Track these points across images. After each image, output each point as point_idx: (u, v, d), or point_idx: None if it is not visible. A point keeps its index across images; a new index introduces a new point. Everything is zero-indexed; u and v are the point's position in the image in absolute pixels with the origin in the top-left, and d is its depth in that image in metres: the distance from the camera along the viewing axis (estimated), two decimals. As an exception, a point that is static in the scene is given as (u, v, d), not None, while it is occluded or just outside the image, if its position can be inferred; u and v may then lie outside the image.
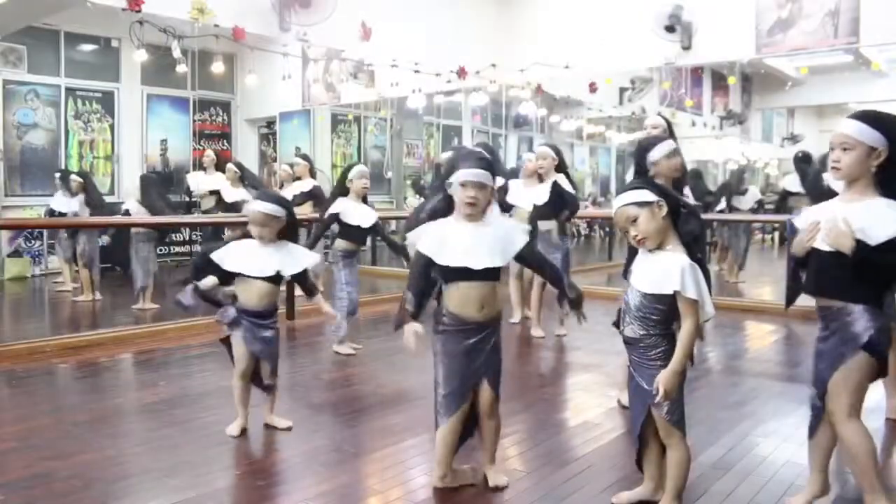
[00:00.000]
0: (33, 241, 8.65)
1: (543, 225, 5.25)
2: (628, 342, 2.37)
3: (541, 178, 5.33)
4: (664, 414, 2.29)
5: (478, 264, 2.49)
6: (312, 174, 7.16)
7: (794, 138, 12.47)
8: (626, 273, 2.91)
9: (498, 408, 2.66)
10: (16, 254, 8.59)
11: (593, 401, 3.91)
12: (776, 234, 12.79)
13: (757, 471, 2.87)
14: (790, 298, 2.39)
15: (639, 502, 2.49)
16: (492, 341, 2.59)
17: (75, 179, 7.09)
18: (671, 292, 2.22)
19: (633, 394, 2.41)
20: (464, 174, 2.48)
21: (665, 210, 2.27)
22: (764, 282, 8.99)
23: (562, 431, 3.46)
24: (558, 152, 5.38)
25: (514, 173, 5.81)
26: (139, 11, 5.45)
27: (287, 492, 2.77)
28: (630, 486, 2.59)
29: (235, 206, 7.45)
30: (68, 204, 7.03)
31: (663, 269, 2.24)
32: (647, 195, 2.28)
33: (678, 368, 2.23)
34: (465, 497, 2.66)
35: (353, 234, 4.80)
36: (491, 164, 2.55)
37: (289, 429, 3.29)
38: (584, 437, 3.28)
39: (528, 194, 5.35)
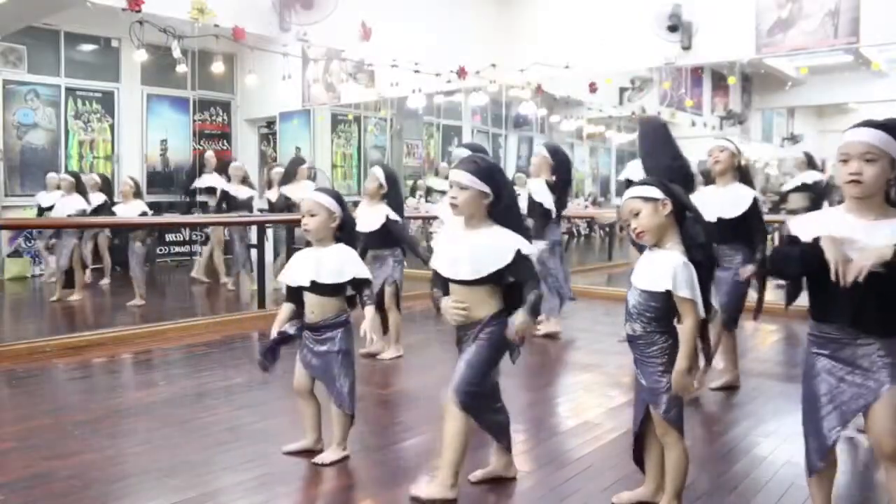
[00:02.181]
0: (33, 241, 8.64)
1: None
2: (630, 339, 2.39)
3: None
4: (661, 411, 2.30)
5: (453, 275, 2.51)
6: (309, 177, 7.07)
7: (794, 138, 12.47)
8: None
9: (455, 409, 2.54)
10: (16, 254, 8.59)
11: (593, 401, 3.91)
12: (776, 234, 12.79)
13: (757, 471, 2.88)
14: (790, 298, 2.38)
15: (639, 503, 2.49)
16: (470, 342, 2.53)
17: (66, 178, 7.12)
18: (663, 290, 2.24)
19: (636, 390, 2.43)
20: (451, 174, 2.54)
21: (669, 209, 2.30)
22: (764, 282, 8.98)
23: (562, 431, 3.46)
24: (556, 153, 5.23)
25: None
26: (139, 11, 5.46)
27: (287, 492, 2.77)
28: (630, 486, 2.59)
29: (241, 206, 7.44)
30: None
31: (658, 268, 2.28)
32: (653, 192, 2.32)
33: (684, 367, 2.24)
34: (465, 497, 2.66)
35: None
36: (482, 168, 2.48)
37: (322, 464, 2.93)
38: (584, 437, 3.28)
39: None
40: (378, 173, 4.58)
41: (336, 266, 2.89)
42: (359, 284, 2.93)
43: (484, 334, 2.49)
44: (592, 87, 8.95)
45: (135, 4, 5.35)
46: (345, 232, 2.97)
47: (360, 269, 2.93)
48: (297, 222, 3.35)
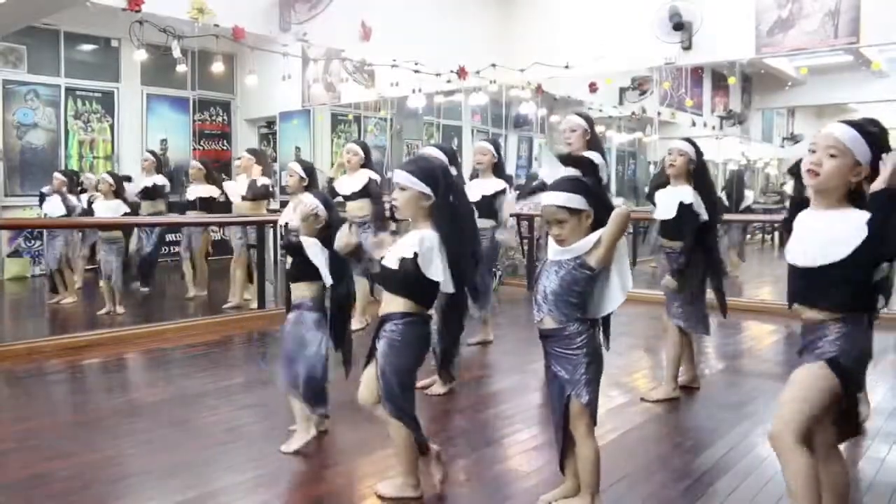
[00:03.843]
0: (33, 241, 8.64)
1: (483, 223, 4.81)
2: (543, 336, 2.37)
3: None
4: (584, 401, 2.31)
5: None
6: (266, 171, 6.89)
7: (794, 138, 12.46)
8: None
9: (383, 412, 2.55)
10: (15, 254, 8.58)
11: (594, 401, 3.90)
12: (776, 234, 12.79)
13: (757, 471, 2.87)
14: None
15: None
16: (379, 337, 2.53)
17: (58, 178, 7.03)
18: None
19: (550, 387, 2.44)
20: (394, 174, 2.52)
21: (591, 219, 2.28)
22: (764, 282, 9.00)
23: (562, 431, 3.45)
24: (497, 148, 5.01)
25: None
26: (139, 11, 5.44)
27: (287, 492, 2.76)
28: (630, 486, 2.59)
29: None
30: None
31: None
32: (579, 202, 2.28)
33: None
34: (465, 497, 2.66)
35: None
36: (423, 168, 2.47)
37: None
38: (584, 437, 3.27)
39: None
40: (297, 168, 4.64)
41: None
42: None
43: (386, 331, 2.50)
44: (592, 87, 8.94)
45: (134, 4, 5.34)
46: (333, 230, 3.06)
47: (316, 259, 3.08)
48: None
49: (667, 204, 3.82)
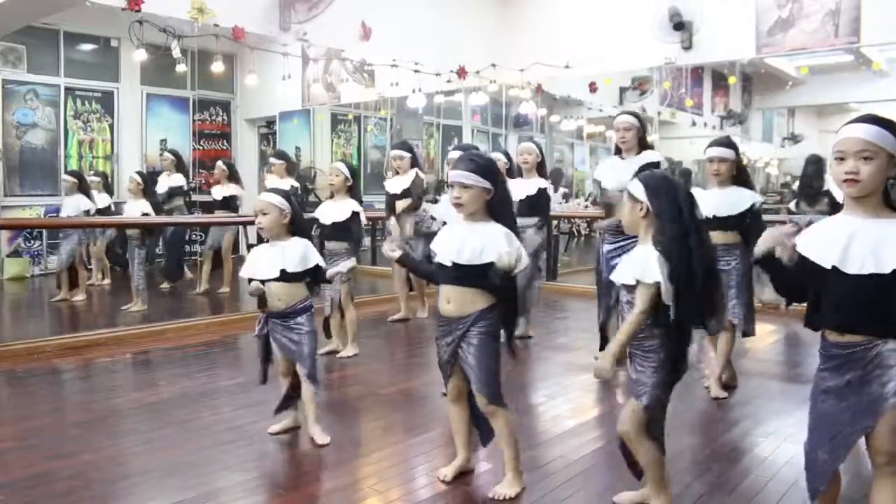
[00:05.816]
0: (33, 241, 8.64)
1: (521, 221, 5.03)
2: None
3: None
4: (643, 404, 2.29)
5: (443, 259, 2.59)
6: (290, 172, 7.17)
7: (794, 138, 12.46)
8: None
9: (492, 410, 2.60)
10: (15, 254, 8.58)
11: (593, 401, 3.90)
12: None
13: (757, 471, 2.87)
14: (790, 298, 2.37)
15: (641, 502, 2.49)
16: (458, 336, 2.57)
17: (68, 179, 7.12)
18: (633, 282, 2.26)
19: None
20: (450, 175, 2.60)
21: (645, 210, 2.31)
22: (764, 281, 8.99)
23: (562, 432, 3.45)
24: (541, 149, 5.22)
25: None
26: (139, 11, 5.44)
27: (287, 492, 2.76)
28: (630, 486, 2.58)
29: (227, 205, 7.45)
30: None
31: (629, 262, 2.31)
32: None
33: (613, 351, 2.25)
34: (466, 497, 2.66)
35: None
36: (481, 165, 2.55)
37: (325, 445, 3.14)
38: (584, 437, 3.28)
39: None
40: (342, 168, 4.74)
41: (300, 255, 3.16)
42: (316, 272, 3.24)
43: (478, 328, 2.55)
44: (592, 87, 8.93)
45: (134, 4, 5.33)
46: (296, 226, 3.22)
47: (318, 257, 3.25)
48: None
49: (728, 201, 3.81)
